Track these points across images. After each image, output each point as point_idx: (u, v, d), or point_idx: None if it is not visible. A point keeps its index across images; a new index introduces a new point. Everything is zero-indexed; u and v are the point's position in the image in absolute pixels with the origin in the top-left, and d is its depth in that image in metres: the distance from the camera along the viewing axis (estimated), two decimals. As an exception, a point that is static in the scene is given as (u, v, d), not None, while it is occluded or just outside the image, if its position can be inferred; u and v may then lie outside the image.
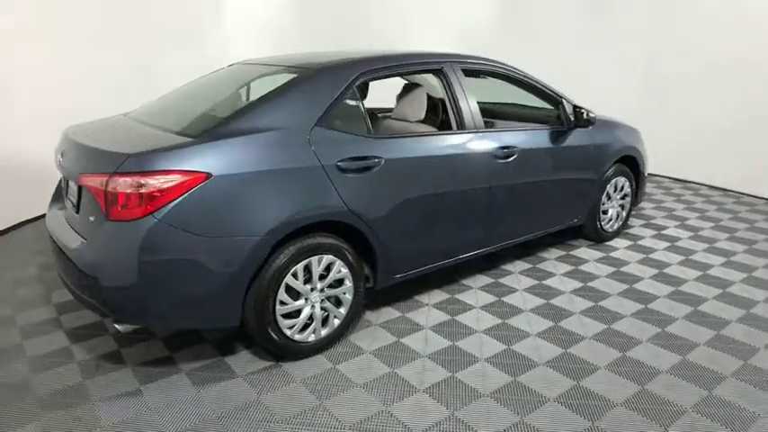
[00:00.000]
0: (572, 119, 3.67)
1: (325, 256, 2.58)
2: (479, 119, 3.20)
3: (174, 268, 2.22)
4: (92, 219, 2.29)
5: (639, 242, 4.32)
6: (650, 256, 4.03)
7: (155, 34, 5.10)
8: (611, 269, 3.77)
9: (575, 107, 3.64)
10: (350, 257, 2.67)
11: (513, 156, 3.29)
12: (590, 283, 3.54)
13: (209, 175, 2.23)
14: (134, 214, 2.16)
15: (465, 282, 3.54)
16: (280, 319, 2.50)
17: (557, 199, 3.74)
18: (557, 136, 3.63)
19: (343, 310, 2.73)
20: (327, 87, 2.65)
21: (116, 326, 2.35)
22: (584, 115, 3.64)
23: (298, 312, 2.57)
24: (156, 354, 2.68)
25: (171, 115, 2.73)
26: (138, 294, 2.22)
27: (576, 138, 3.73)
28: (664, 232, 4.56)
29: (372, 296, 3.18)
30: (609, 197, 4.16)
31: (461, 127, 3.13)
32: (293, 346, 2.58)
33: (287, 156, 2.43)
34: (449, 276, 3.58)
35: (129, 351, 2.70)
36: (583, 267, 3.80)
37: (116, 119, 2.87)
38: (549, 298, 3.32)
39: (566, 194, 3.78)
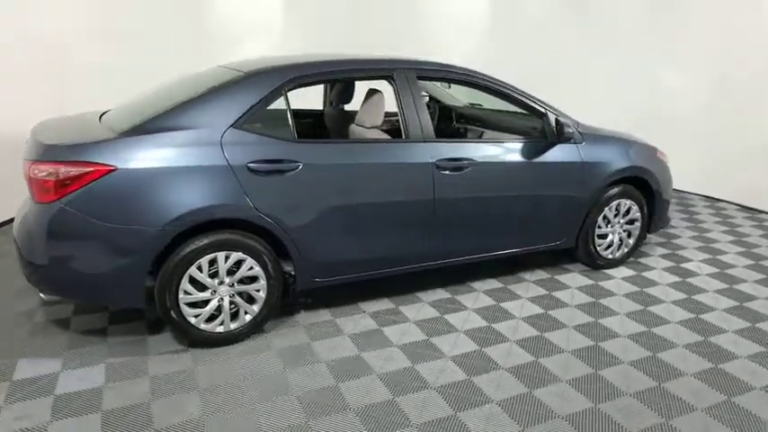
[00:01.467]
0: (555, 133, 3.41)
1: (234, 253, 2.69)
2: (429, 128, 3.10)
3: (76, 250, 2.48)
4: (29, 202, 2.63)
5: (644, 273, 3.87)
6: (646, 290, 3.61)
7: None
8: (586, 300, 3.45)
9: (557, 121, 3.38)
10: (265, 257, 2.75)
11: (465, 168, 3.15)
12: (551, 312, 3.27)
13: (113, 168, 2.45)
14: (48, 198, 2.44)
15: (419, 294, 3.46)
16: (183, 307, 2.66)
17: (529, 217, 3.50)
18: (532, 150, 3.39)
19: (255, 307, 2.83)
20: (251, 91, 2.75)
21: (41, 295, 2.67)
22: (563, 130, 3.36)
23: (206, 303, 2.72)
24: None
25: (126, 113, 3.01)
26: (49, 271, 2.51)
27: (559, 153, 3.46)
28: (682, 265, 4.04)
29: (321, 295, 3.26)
30: (608, 221, 3.79)
31: (406, 136, 3.06)
32: (199, 334, 2.73)
33: (196, 154, 2.58)
34: (405, 286, 3.52)
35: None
36: (557, 294, 3.51)
37: (83, 116, 3.19)
38: (494, 322, 3.13)
39: (541, 213, 3.52)
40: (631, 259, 4.09)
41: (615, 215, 3.80)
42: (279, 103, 2.84)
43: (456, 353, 2.80)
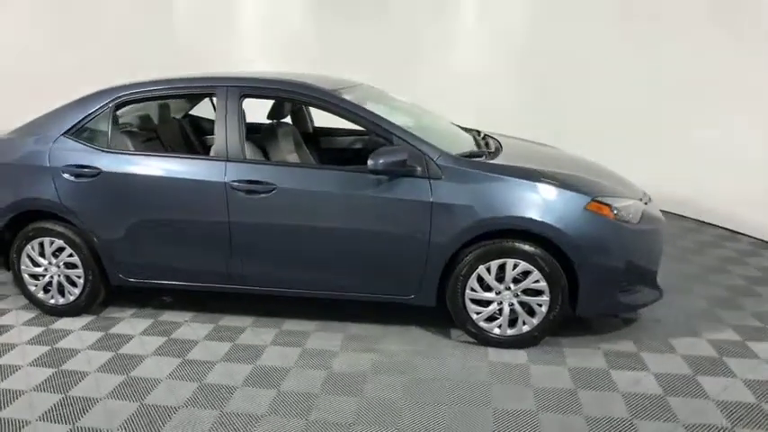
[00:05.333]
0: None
1: (56, 240, 3.23)
2: (236, 147, 3.01)
3: None
4: None
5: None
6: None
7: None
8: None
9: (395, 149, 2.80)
10: (81, 248, 3.20)
11: (263, 192, 2.94)
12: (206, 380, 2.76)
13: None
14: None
15: (64, 327, 3.26)
16: (26, 277, 3.34)
17: (357, 259, 2.98)
18: (359, 180, 2.89)
19: (76, 290, 3.30)
20: (84, 106, 3.22)
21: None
22: (388, 160, 2.76)
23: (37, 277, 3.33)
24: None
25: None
26: None
27: (399, 188, 2.84)
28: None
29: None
30: (482, 283, 2.89)
31: (209, 152, 3.05)
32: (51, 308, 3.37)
33: (28, 155, 3.20)
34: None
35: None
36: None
37: None
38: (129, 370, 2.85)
39: (372, 257, 2.95)
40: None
41: (500, 279, 2.87)
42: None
43: None
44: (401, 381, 2.70)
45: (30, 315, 3.39)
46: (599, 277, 2.82)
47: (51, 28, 5.80)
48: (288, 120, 4.00)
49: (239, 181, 2.97)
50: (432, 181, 2.84)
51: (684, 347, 2.97)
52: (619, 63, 5.61)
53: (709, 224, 5.19)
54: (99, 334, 3.17)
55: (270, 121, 3.70)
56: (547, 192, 2.80)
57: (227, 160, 3.01)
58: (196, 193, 3.02)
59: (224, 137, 3.04)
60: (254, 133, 3.52)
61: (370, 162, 2.77)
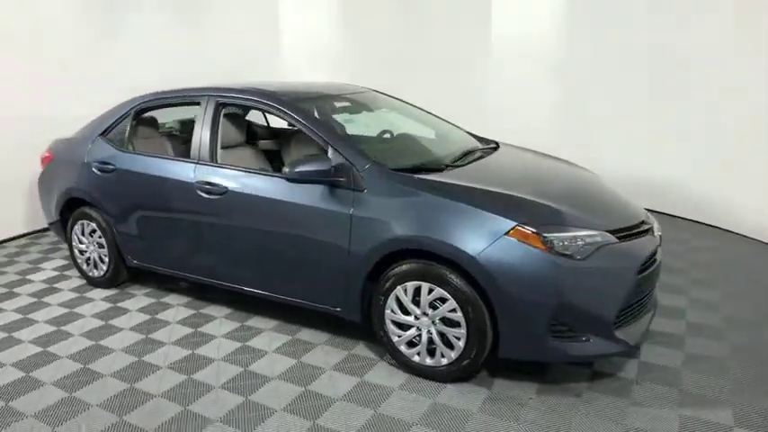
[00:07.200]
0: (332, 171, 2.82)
1: (91, 223, 3.88)
2: (206, 150, 3.28)
3: None
4: None
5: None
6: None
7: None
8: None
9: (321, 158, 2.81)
10: (107, 231, 3.81)
11: (221, 195, 3.16)
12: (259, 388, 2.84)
13: (53, 155, 4.10)
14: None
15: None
16: (76, 252, 4.08)
17: (290, 265, 3.03)
18: (292, 187, 2.93)
19: (104, 267, 3.93)
20: (114, 112, 3.82)
21: None
22: (318, 170, 2.77)
23: (83, 253, 4.04)
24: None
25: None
26: None
27: (325, 198, 2.83)
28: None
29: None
30: (401, 306, 2.69)
31: (185, 156, 3.40)
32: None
33: (76, 151, 3.91)
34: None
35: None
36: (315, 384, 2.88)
37: None
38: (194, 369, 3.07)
39: (301, 265, 2.97)
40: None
41: (414, 302, 2.64)
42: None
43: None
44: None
45: (73, 283, 4.14)
46: (521, 316, 2.43)
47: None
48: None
49: (201, 182, 3.24)
50: (355, 193, 2.75)
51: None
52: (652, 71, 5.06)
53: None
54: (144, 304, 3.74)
55: (290, 127, 3.93)
56: (465, 213, 2.51)
57: (198, 162, 3.31)
58: (175, 190, 3.38)
59: (198, 141, 3.34)
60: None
61: (285, 170, 2.81)
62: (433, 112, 4.06)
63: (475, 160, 3.21)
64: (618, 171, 5.45)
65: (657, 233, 2.87)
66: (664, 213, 5.34)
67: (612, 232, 2.56)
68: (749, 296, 3.57)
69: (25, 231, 5.32)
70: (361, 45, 7.21)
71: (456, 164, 3.08)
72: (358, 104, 3.89)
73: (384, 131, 3.87)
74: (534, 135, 5.36)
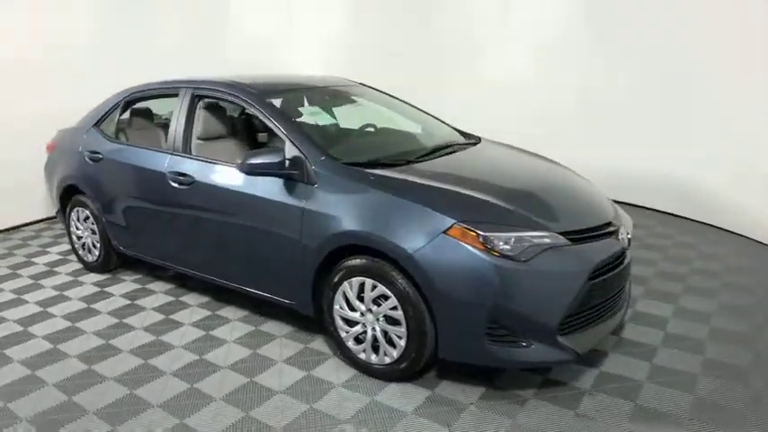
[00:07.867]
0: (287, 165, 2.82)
1: (85, 210, 4.04)
2: (180, 141, 3.34)
3: None
4: None
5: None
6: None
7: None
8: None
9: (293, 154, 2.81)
10: (99, 218, 3.95)
11: (189, 185, 3.21)
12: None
13: (55, 144, 4.29)
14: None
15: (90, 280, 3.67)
16: (73, 237, 4.26)
17: (249, 256, 3.04)
18: (252, 179, 2.94)
19: (96, 252, 4.08)
20: (107, 104, 3.95)
21: None
22: (269, 162, 2.76)
23: (79, 238, 4.21)
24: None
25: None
26: None
27: (280, 190, 2.82)
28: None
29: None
30: (348, 303, 2.65)
31: (160, 146, 3.47)
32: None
33: (73, 141, 4.06)
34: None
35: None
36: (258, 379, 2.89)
37: None
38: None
39: (258, 256, 2.99)
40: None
41: (359, 298, 2.60)
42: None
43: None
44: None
45: (71, 266, 4.32)
46: (456, 317, 2.34)
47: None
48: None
49: (173, 172, 3.30)
50: (307, 186, 2.73)
51: None
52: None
53: None
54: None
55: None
56: (408, 210, 2.44)
57: (172, 153, 3.38)
58: (150, 180, 3.45)
59: (174, 131, 3.40)
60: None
61: (237, 161, 2.82)
62: (433, 112, 3.98)
63: (445, 155, 3.13)
64: (639, 170, 5.20)
65: (625, 236, 2.69)
66: (681, 217, 5.03)
67: (566, 234, 2.43)
68: (746, 309, 3.31)
69: (44, 216, 5.60)
70: (374, 41, 7.11)
71: (422, 159, 3.01)
72: (342, 98, 3.87)
73: (367, 125, 3.82)
74: (552, 135, 5.42)
